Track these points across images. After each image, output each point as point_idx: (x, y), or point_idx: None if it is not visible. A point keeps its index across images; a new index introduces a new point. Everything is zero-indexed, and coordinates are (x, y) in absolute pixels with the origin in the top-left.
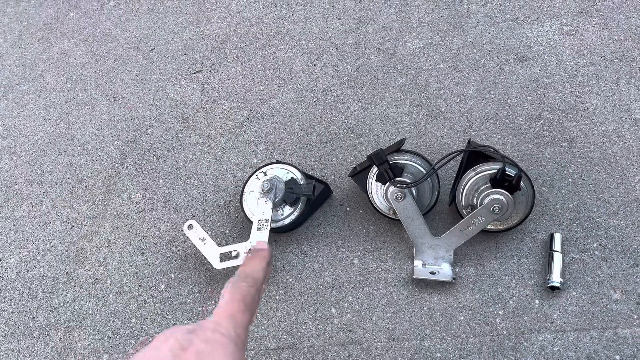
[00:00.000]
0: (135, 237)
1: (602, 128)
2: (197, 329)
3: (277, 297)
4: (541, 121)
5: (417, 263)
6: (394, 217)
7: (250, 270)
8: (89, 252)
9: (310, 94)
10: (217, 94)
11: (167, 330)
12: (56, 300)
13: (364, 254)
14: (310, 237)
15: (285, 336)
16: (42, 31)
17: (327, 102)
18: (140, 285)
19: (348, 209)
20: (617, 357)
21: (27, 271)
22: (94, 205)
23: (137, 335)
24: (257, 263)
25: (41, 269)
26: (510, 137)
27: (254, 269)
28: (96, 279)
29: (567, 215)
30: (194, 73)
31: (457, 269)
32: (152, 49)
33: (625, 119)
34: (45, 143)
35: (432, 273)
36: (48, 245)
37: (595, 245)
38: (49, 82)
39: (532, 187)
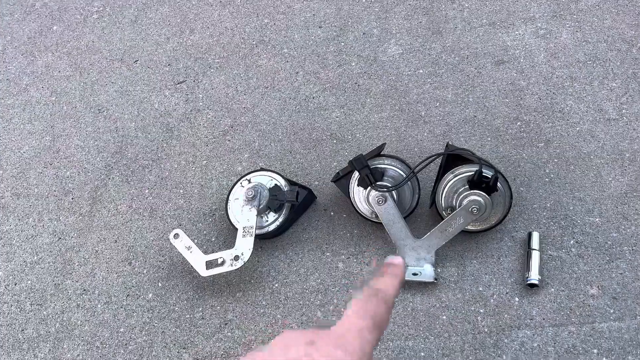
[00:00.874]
0: (122, 248)
1: (577, 128)
2: (318, 341)
3: (264, 303)
4: (518, 123)
5: None
6: (376, 221)
7: (382, 286)
8: (76, 264)
9: (293, 102)
10: (201, 103)
11: (285, 336)
12: (44, 312)
13: (348, 258)
14: (296, 243)
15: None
16: (26, 45)
17: (309, 109)
18: (128, 295)
19: (332, 213)
20: (595, 351)
21: (15, 284)
22: (80, 217)
23: (125, 344)
24: (390, 281)
25: (29, 282)
26: (489, 139)
27: (387, 285)
28: (84, 289)
29: (544, 214)
30: (178, 83)
31: (439, 270)
32: (135, 61)
33: (599, 119)
34: (30, 156)
35: (414, 274)
36: (35, 257)
37: (571, 242)
38: (34, 95)
39: (509, 188)
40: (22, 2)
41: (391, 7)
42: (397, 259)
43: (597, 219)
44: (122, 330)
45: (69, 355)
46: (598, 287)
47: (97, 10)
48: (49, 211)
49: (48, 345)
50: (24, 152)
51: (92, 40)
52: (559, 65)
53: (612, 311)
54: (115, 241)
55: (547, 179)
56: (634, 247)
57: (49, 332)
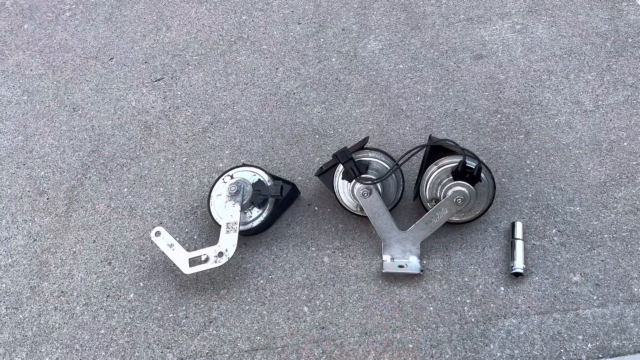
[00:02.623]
0: (101, 248)
1: (555, 120)
2: None
3: (249, 299)
4: (498, 115)
5: (386, 257)
6: (361, 214)
7: None
8: (53, 265)
9: (274, 98)
10: (179, 100)
11: None
12: (20, 316)
13: (334, 252)
14: (280, 238)
15: (258, 337)
16: None
17: (290, 105)
18: (108, 296)
19: (316, 208)
20: (580, 337)
21: None
22: (56, 218)
23: (106, 346)
24: None
25: (3, 285)
26: (470, 132)
27: None
28: (62, 291)
29: (526, 204)
30: (156, 81)
31: (425, 261)
32: (111, 58)
33: (576, 110)
34: (2, 157)
35: (400, 266)
36: (10, 260)
37: (554, 231)
38: (5, 94)
39: (492, 178)
40: None
41: (370, 3)
42: None
43: (577, 208)
44: (102, 332)
45: (47, 359)
46: (581, 274)
47: (70, 8)
48: (23, 212)
49: (25, 349)
50: None
51: (64, 38)
52: (536, 59)
53: (595, 297)
54: (94, 241)
55: (528, 170)
56: (614, 235)
57: (26, 335)
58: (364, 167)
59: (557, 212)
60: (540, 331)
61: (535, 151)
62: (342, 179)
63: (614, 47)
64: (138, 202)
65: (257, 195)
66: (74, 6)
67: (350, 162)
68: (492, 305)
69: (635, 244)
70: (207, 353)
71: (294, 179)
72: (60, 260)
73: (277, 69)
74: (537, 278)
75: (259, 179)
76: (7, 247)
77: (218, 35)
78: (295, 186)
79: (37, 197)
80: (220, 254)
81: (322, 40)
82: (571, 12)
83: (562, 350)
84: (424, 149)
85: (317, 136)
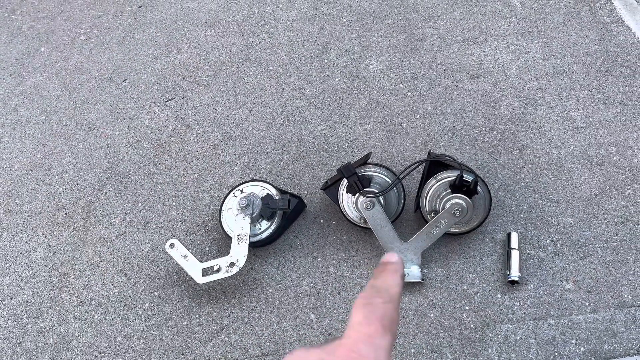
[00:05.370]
0: (117, 259)
1: (549, 136)
2: (327, 357)
3: (259, 307)
4: (494, 132)
5: None
6: (364, 226)
7: (383, 284)
8: (72, 277)
9: (281, 116)
10: (190, 119)
11: (295, 356)
12: (42, 325)
13: (339, 262)
14: (288, 249)
15: (268, 343)
16: (14, 66)
17: (296, 122)
18: (124, 305)
19: (322, 221)
20: (573, 341)
21: (11, 298)
22: (74, 231)
23: (124, 352)
24: (390, 277)
25: (25, 296)
26: (467, 147)
27: (388, 283)
28: (80, 301)
29: (521, 216)
30: (167, 101)
31: (425, 271)
32: (124, 80)
33: (568, 127)
34: (22, 174)
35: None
36: (31, 272)
37: (547, 241)
38: (23, 115)
39: (489, 191)
40: (9, 24)
41: (371, 26)
42: (393, 257)
43: (570, 219)
44: (120, 339)
45: None
46: (573, 282)
47: (85, 32)
48: (42, 226)
49: (46, 356)
50: (16, 170)
51: (80, 60)
52: (530, 78)
53: (587, 304)
54: (111, 253)
55: (522, 184)
56: (605, 244)
57: (47, 343)
58: (367, 181)
59: (551, 223)
60: (536, 336)
61: (530, 165)
62: (347, 192)
63: (604, 67)
64: (152, 216)
65: (266, 209)
66: (88, 30)
67: (354, 176)
68: (489, 311)
69: (625, 253)
70: (219, 359)
71: (300, 193)
72: (78, 272)
73: (283, 88)
74: (532, 286)
75: (268, 193)
76: (28, 260)
77: (226, 57)
78: (302, 200)
79: (56, 212)
80: (232, 264)
81: (325, 61)
82: (563, 34)
83: (556, 354)
84: (424, 164)
85: (321, 152)
